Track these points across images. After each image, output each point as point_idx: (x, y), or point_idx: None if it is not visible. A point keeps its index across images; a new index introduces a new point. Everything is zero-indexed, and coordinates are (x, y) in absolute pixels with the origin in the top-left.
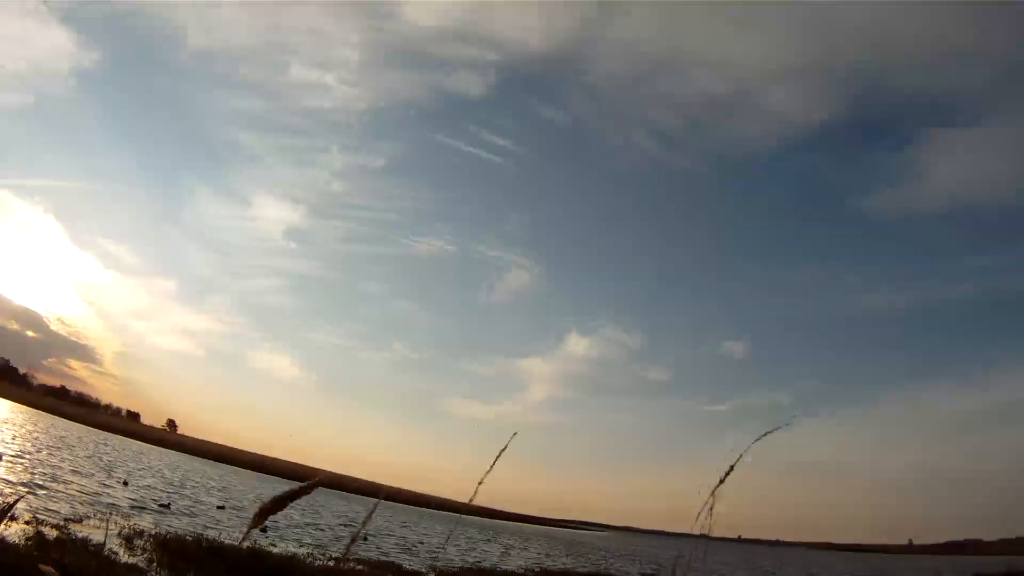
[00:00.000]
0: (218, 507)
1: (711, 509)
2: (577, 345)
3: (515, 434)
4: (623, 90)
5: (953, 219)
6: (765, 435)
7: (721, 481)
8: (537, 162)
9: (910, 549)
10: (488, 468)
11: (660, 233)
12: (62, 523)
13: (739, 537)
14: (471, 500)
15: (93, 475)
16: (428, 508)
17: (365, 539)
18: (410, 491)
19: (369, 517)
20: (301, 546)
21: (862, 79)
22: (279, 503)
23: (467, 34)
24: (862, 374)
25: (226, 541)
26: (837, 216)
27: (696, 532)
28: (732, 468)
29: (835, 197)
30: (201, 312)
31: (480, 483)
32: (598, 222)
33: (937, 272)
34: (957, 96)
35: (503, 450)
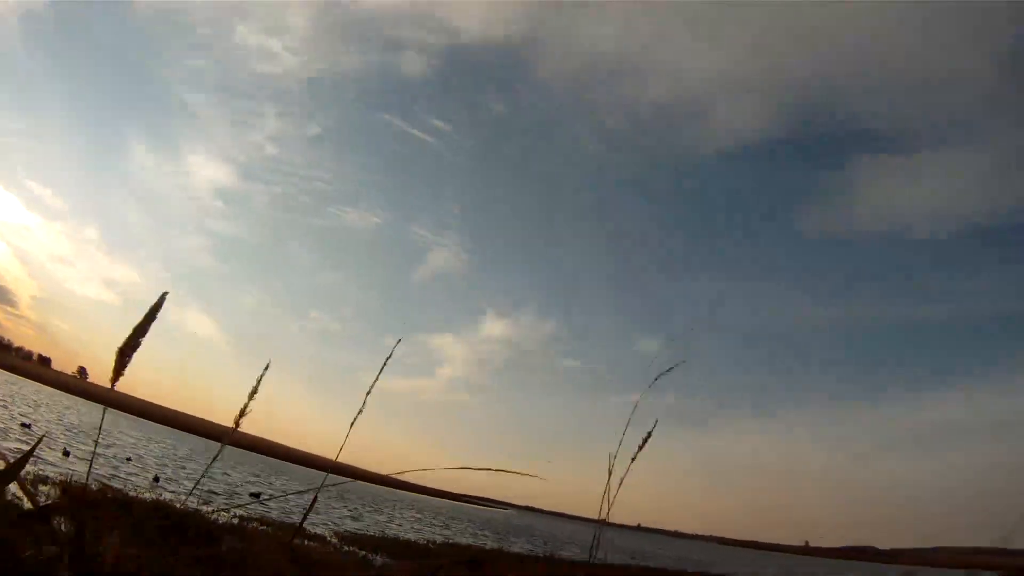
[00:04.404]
0: (125, 459)
1: (613, 496)
2: (494, 327)
3: (403, 328)
4: (573, 88)
5: (883, 244)
6: (656, 379)
7: (613, 471)
8: (475, 149)
9: (806, 550)
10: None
11: (592, 229)
12: None
13: (639, 525)
14: (337, 456)
15: None
16: (329, 473)
17: (259, 496)
18: (316, 455)
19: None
20: (204, 502)
21: (808, 100)
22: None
23: (418, 16)
24: (777, 384)
25: (131, 493)
26: (770, 230)
27: (595, 517)
28: (631, 452)
29: (770, 212)
30: (123, 263)
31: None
32: (530, 212)
33: (861, 294)
34: (896, 125)
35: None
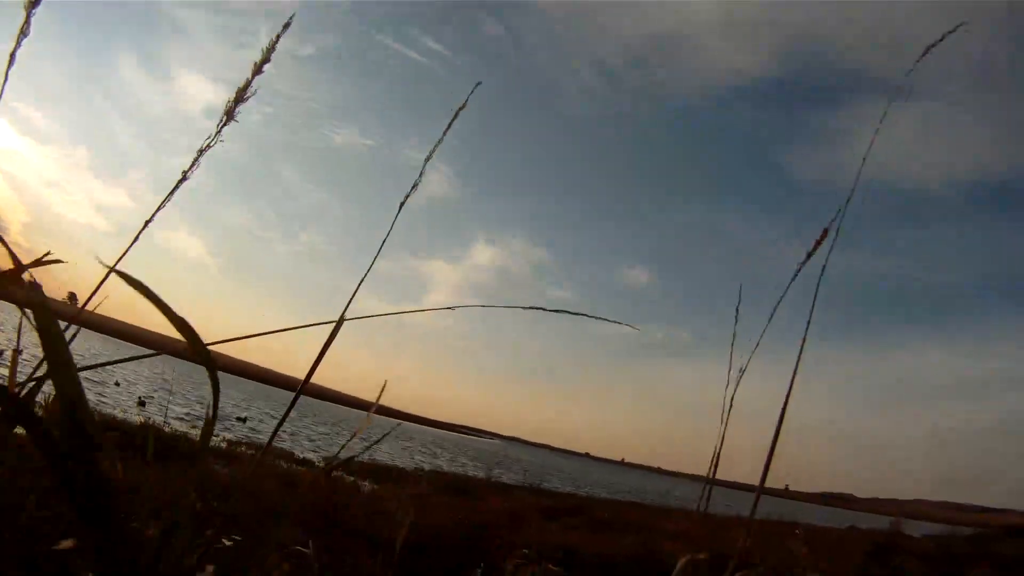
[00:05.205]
0: (114, 384)
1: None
2: (483, 254)
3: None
4: (569, 15)
5: (872, 191)
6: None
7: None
8: (471, 73)
9: (786, 494)
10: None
11: (584, 159)
12: None
13: (623, 460)
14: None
15: None
16: (316, 398)
17: (244, 420)
18: (298, 380)
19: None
20: (193, 427)
21: (809, 42)
22: None
23: None
24: (754, 324)
25: (119, 416)
26: (761, 170)
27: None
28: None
29: (761, 151)
30: (115, 186)
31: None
32: (523, 140)
33: (848, 241)
34: (897, 75)
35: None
